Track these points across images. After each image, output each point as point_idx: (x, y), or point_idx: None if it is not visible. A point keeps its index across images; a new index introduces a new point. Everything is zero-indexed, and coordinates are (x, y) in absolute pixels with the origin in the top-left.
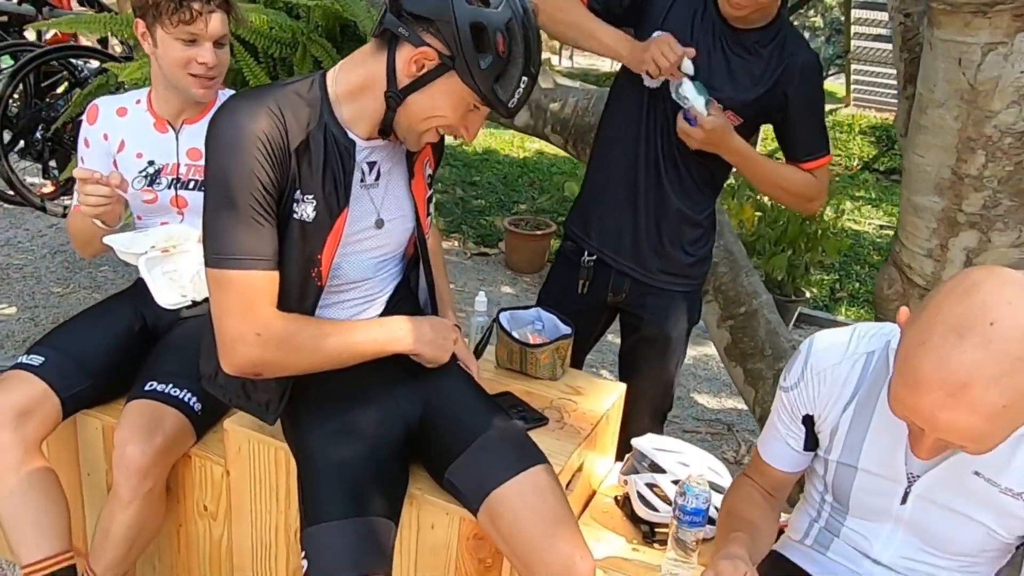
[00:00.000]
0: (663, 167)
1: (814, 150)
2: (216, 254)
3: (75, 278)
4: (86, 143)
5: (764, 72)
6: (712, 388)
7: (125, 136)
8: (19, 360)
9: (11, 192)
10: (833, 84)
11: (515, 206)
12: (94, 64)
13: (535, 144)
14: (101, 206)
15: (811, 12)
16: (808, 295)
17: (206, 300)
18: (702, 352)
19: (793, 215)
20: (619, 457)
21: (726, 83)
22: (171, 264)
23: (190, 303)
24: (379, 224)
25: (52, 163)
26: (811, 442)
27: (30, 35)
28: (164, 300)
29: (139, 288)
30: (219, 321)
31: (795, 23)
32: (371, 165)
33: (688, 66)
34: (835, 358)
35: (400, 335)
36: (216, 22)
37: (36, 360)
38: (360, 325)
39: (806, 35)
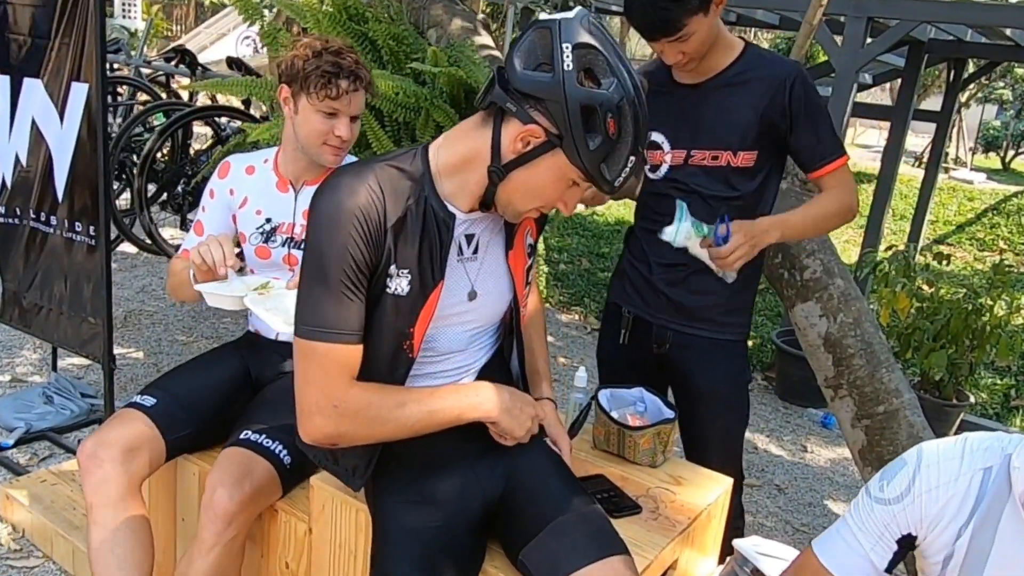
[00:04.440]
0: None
1: (828, 153)
2: (304, 324)
3: (199, 328)
4: (211, 194)
5: (753, 94)
6: (850, 496)
7: (249, 193)
8: (133, 399)
9: (149, 242)
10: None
11: None
12: (236, 124)
13: None
14: (206, 266)
15: (999, 84)
16: (973, 400)
17: None
18: (839, 455)
19: (956, 308)
20: (721, 560)
21: (720, 127)
22: (271, 302)
23: None
24: (472, 297)
25: (190, 216)
26: (896, 563)
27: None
28: (279, 328)
29: (247, 340)
30: (300, 390)
31: (979, 94)
32: (469, 238)
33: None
34: (950, 474)
35: (477, 401)
36: (358, 100)
37: (148, 401)
38: (438, 392)
39: (992, 108)
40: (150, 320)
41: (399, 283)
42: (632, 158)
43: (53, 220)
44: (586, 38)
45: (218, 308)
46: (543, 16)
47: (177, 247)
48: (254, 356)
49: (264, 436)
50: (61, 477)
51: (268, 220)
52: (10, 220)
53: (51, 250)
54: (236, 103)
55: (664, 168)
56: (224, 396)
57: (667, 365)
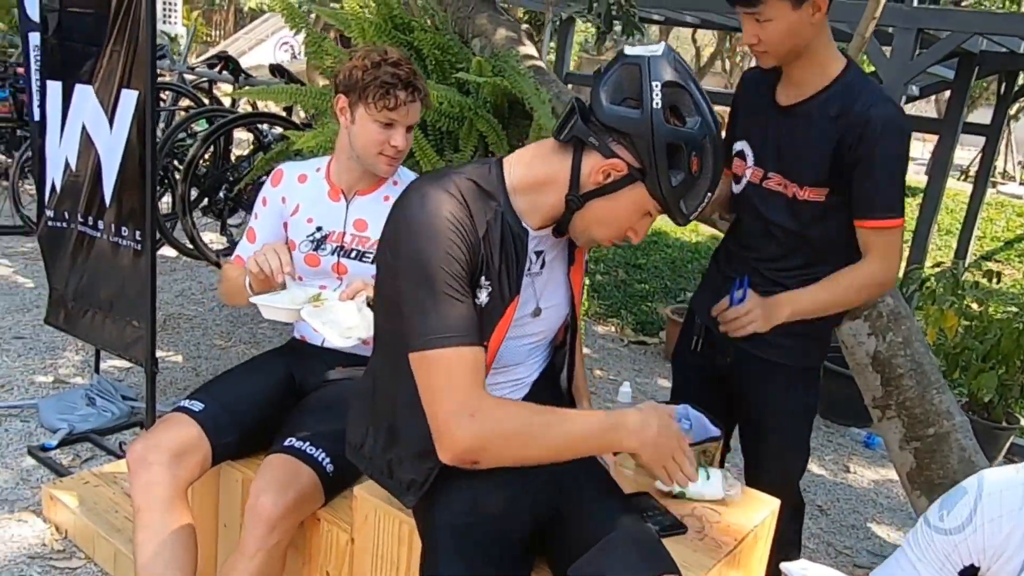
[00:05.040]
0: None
1: (880, 208)
2: (422, 336)
3: (237, 332)
4: (264, 202)
5: (833, 127)
6: (895, 520)
7: (301, 201)
8: (181, 403)
9: (191, 246)
10: None
11: (681, 293)
12: (278, 130)
13: (709, 227)
14: (263, 275)
15: None
16: None
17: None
18: (884, 476)
19: (1006, 327)
20: None
21: (794, 155)
22: (327, 315)
23: (357, 340)
24: (536, 312)
25: (230, 221)
26: None
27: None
28: (336, 342)
29: (292, 347)
30: (431, 406)
31: None
32: (538, 254)
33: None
34: (1013, 503)
35: (624, 434)
36: (415, 110)
37: (196, 406)
38: (580, 417)
39: None
40: (189, 324)
41: (482, 295)
42: (709, 193)
43: (100, 224)
44: (673, 76)
45: (272, 318)
46: (628, 50)
47: (217, 252)
48: (299, 363)
49: (308, 444)
50: (103, 479)
51: (319, 228)
52: (59, 224)
53: (98, 254)
54: (277, 110)
55: (744, 181)
56: (269, 402)
57: (729, 380)
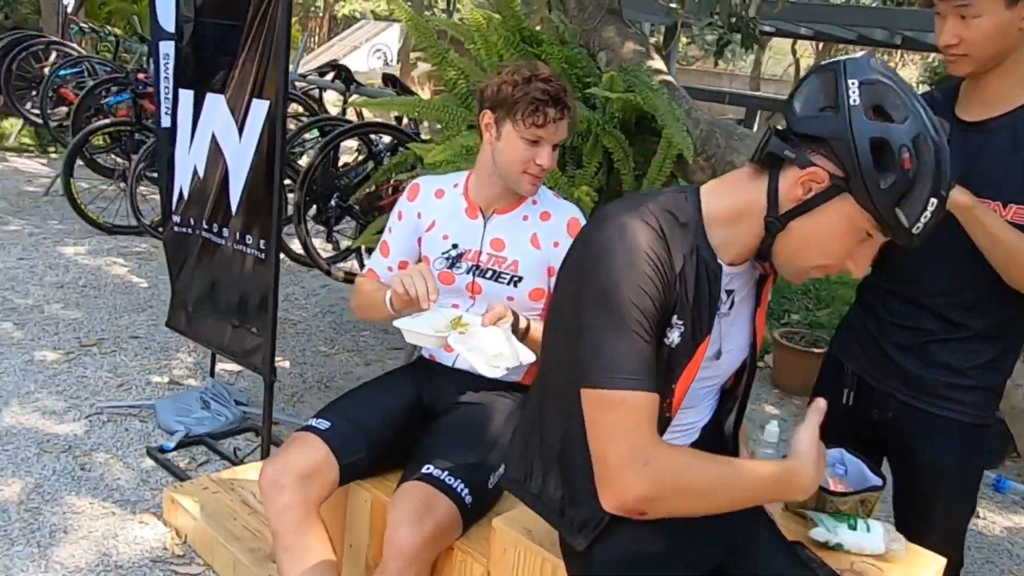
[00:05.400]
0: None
1: None
2: (600, 372)
3: (340, 340)
4: (399, 216)
5: (1017, 140)
6: None
7: (437, 217)
8: (308, 423)
9: (303, 253)
10: None
11: (787, 316)
12: (386, 139)
13: None
14: (408, 297)
15: None
16: None
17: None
18: (1016, 523)
19: None
20: None
21: (993, 172)
22: (472, 341)
23: (504, 371)
24: (717, 355)
25: (336, 229)
26: None
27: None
28: (483, 370)
29: (420, 366)
30: (601, 448)
31: None
32: (728, 293)
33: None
34: None
35: (797, 484)
36: (562, 128)
37: (323, 424)
38: (753, 468)
39: None
40: (294, 329)
41: (673, 334)
42: (933, 200)
43: (225, 232)
44: (875, 75)
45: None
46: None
47: (328, 259)
48: (428, 383)
49: (446, 473)
50: (222, 485)
51: (455, 246)
52: (184, 229)
53: (221, 261)
54: (384, 118)
55: None
56: (397, 422)
57: (886, 433)
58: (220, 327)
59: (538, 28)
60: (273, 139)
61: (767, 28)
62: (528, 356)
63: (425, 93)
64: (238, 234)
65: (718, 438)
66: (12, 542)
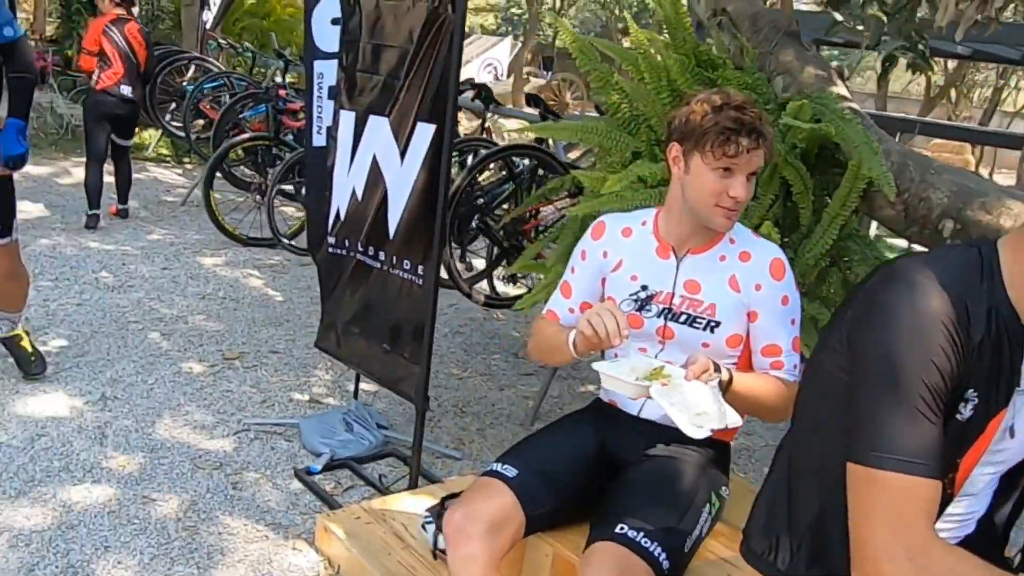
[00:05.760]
0: None
1: None
2: (872, 450)
3: (472, 362)
4: (583, 255)
5: None
6: None
7: (624, 256)
8: (493, 467)
9: (445, 275)
10: None
11: None
12: (526, 161)
13: None
14: (596, 338)
15: None
16: None
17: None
18: None
19: None
20: None
21: None
22: (675, 396)
23: (709, 432)
24: (1011, 432)
25: (469, 248)
26: None
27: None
28: (686, 429)
29: (600, 411)
30: (863, 531)
31: None
32: None
33: None
34: None
35: None
36: (757, 158)
37: (510, 471)
38: None
39: None
40: None
41: (965, 409)
42: None
43: (381, 255)
44: None
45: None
46: None
47: (468, 281)
48: (611, 431)
49: (643, 535)
50: (374, 516)
51: (644, 287)
52: (339, 251)
53: (375, 284)
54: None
55: None
56: (581, 471)
57: None
58: (371, 351)
59: (712, 50)
60: (437, 164)
61: (944, 49)
62: (735, 419)
63: (532, 108)
64: (395, 258)
65: (990, 535)
66: (172, 561)
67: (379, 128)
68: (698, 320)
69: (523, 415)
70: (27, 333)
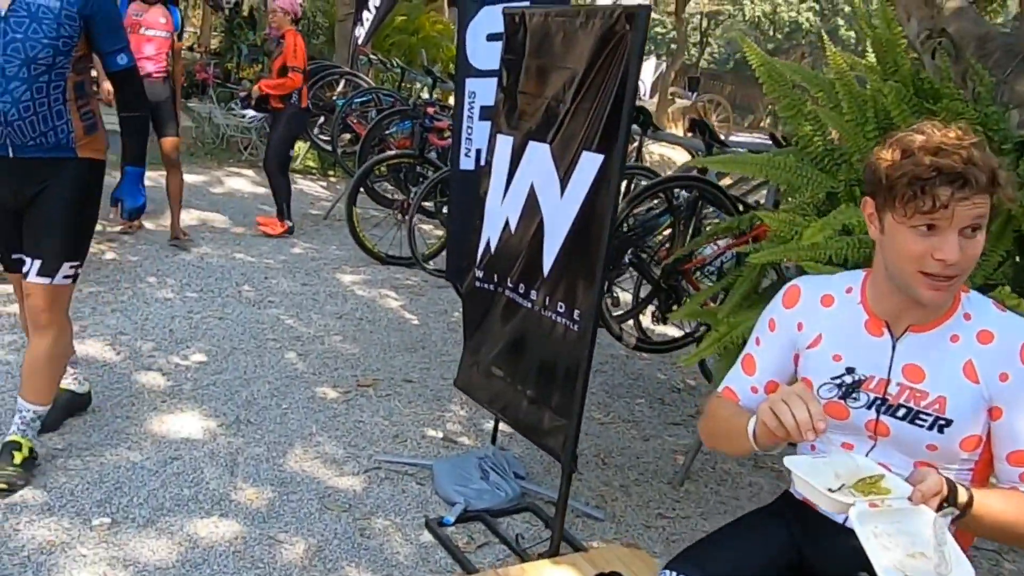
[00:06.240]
0: None
1: None
2: None
3: (614, 406)
4: (771, 325)
5: None
6: None
7: (825, 331)
8: (664, 574)
9: None
10: None
11: None
12: (685, 193)
13: None
14: (783, 430)
15: None
16: None
17: None
18: None
19: None
20: None
21: None
22: (886, 522)
23: None
24: None
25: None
26: None
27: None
28: (883, 571)
29: (794, 509)
30: None
31: None
32: None
33: None
34: None
35: None
36: (969, 209)
37: None
38: None
39: None
40: None
41: None
42: None
43: (534, 294)
44: None
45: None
46: None
47: (618, 323)
48: (808, 537)
49: None
50: None
51: (850, 371)
52: (487, 285)
53: (525, 325)
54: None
55: None
56: None
57: None
58: (515, 398)
59: (931, 77)
60: (604, 199)
61: None
62: (967, 571)
63: (678, 130)
64: (547, 298)
65: None
66: None
67: (539, 155)
68: (922, 416)
69: (671, 472)
70: (29, 441)
